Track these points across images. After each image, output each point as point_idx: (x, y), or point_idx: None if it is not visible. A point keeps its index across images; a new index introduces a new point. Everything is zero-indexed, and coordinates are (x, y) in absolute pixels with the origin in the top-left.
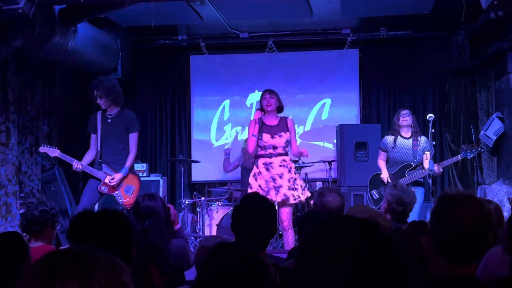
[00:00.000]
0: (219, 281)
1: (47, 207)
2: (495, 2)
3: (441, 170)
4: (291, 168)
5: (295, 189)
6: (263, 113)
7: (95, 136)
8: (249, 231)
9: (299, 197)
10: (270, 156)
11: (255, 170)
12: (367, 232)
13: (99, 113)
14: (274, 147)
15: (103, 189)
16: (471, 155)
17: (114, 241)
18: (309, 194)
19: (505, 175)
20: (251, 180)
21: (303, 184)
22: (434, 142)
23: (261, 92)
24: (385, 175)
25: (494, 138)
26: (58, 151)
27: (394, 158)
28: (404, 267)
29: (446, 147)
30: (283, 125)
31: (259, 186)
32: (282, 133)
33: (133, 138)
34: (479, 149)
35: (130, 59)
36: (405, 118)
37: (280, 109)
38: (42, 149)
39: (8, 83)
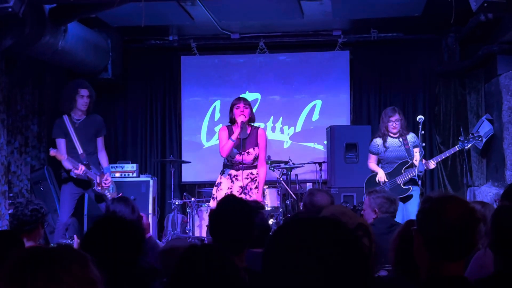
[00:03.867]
0: (189, 283)
1: (37, 206)
2: (485, 4)
3: (435, 165)
4: (255, 180)
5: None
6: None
7: (64, 140)
8: (225, 234)
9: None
10: (237, 169)
11: (218, 179)
12: (326, 231)
13: (65, 118)
14: (241, 163)
15: (99, 189)
16: (468, 145)
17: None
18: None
19: (494, 177)
20: (214, 189)
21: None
22: (424, 144)
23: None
24: (381, 177)
25: (484, 140)
26: (66, 156)
27: (387, 158)
28: (367, 264)
29: (436, 149)
30: (253, 139)
31: (216, 198)
32: (250, 150)
33: (102, 141)
34: (477, 137)
35: (120, 59)
36: (395, 126)
37: (251, 121)
38: (52, 152)
39: None
